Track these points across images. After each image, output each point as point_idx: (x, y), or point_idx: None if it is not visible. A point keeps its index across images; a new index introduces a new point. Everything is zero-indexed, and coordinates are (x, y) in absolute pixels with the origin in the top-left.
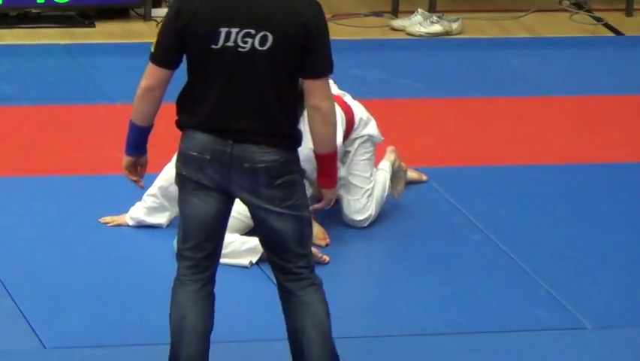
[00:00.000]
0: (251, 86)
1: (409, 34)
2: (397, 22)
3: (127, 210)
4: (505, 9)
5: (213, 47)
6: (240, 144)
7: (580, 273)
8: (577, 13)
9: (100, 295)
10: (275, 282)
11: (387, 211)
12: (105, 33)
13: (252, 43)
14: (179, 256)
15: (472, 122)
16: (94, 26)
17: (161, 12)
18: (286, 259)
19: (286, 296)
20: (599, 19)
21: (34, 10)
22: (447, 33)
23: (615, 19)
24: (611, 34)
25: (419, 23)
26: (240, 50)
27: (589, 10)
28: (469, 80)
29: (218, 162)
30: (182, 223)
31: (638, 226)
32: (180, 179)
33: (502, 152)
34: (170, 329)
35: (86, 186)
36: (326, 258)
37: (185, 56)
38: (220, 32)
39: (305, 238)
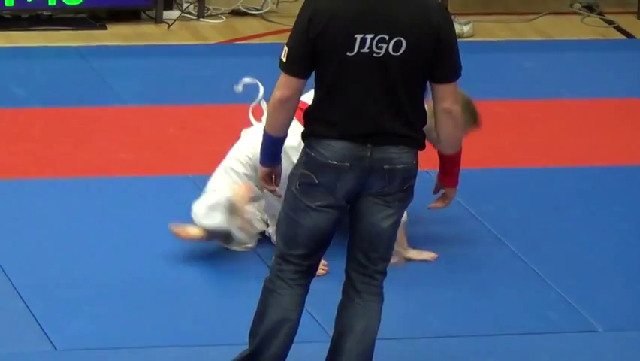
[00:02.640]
0: (386, 90)
1: None
2: None
3: (140, 213)
4: (517, 12)
5: (349, 54)
6: (380, 146)
7: (591, 276)
8: (588, 15)
9: (111, 297)
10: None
11: None
12: (116, 35)
13: (387, 49)
14: (284, 260)
15: (484, 124)
16: (105, 28)
17: (172, 14)
18: (372, 259)
19: (351, 295)
20: (610, 22)
21: (45, 13)
22: (459, 36)
23: (626, 21)
24: (623, 36)
25: None
26: (375, 55)
27: (600, 13)
28: (480, 83)
29: (358, 168)
30: (292, 229)
31: None
32: (308, 187)
33: (513, 155)
34: (261, 324)
35: (97, 189)
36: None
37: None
38: (355, 39)
39: (393, 242)
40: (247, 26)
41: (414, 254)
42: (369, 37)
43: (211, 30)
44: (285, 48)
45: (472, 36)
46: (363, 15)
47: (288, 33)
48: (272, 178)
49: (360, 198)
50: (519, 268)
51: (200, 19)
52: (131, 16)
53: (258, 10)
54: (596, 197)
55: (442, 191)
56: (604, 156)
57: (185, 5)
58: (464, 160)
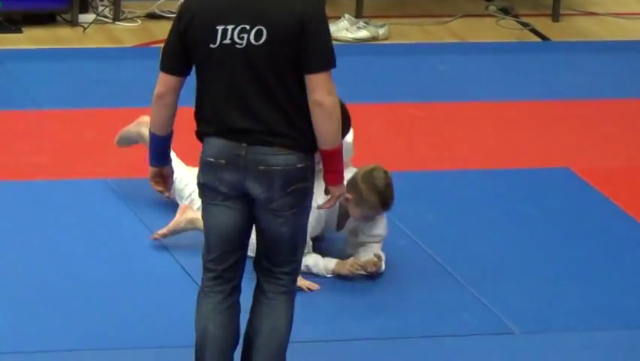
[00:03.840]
0: (256, 83)
1: (336, 39)
2: None
3: (56, 216)
4: (432, 14)
5: (212, 46)
6: (255, 146)
7: (507, 278)
8: (503, 18)
9: (25, 300)
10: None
11: None
12: (32, 39)
13: (248, 39)
14: (204, 267)
15: (399, 127)
16: (21, 32)
17: (87, 17)
18: (275, 262)
19: (258, 295)
20: (525, 25)
21: None
22: (374, 38)
23: (542, 24)
24: (538, 39)
25: (346, 29)
26: (237, 46)
27: (515, 16)
28: (396, 86)
29: (233, 166)
30: (206, 234)
31: (564, 230)
32: (200, 188)
33: (428, 157)
34: (194, 340)
35: (13, 192)
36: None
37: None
38: (217, 30)
39: (298, 244)
40: (162, 29)
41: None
42: (230, 27)
43: (126, 33)
44: (161, 47)
45: (387, 39)
46: (226, 7)
47: None
48: (162, 179)
49: (252, 202)
50: (434, 271)
51: (116, 22)
52: (46, 19)
53: (173, 13)
54: (511, 199)
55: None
56: (519, 158)
57: (100, 9)
58: (379, 162)
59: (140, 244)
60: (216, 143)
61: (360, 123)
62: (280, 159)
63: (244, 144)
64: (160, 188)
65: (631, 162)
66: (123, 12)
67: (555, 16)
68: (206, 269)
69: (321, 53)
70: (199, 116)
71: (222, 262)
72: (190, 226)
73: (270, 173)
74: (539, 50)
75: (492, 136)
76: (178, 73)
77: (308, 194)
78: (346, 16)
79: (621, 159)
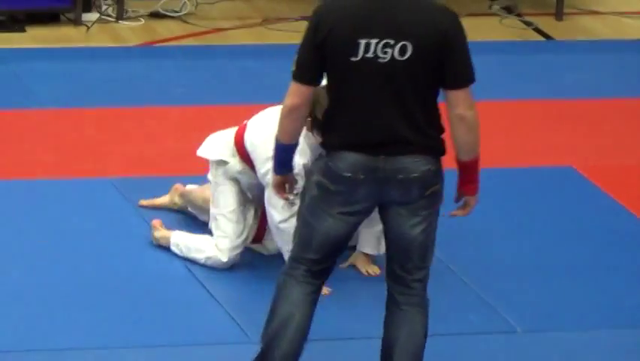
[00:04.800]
0: (394, 97)
1: None
2: None
3: (60, 215)
4: None
5: (353, 59)
6: (393, 157)
7: (511, 277)
8: (507, 17)
9: (28, 299)
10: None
11: None
12: (36, 38)
13: (392, 54)
14: (296, 261)
15: None
16: (24, 31)
17: (91, 16)
18: (407, 269)
19: (391, 307)
20: (529, 24)
21: None
22: None
23: (545, 23)
24: (541, 38)
25: None
26: (380, 60)
27: (519, 15)
28: None
29: (372, 180)
30: (307, 233)
31: (566, 229)
32: (323, 192)
33: None
34: (271, 320)
35: (16, 191)
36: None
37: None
38: (359, 44)
39: (429, 251)
40: (166, 29)
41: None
42: (373, 42)
43: (130, 32)
44: (295, 56)
45: None
46: (367, 20)
47: (207, 35)
48: (285, 187)
49: (385, 208)
50: (438, 269)
51: (119, 21)
52: (49, 18)
53: (176, 12)
54: (514, 198)
55: (463, 199)
56: (522, 157)
57: (104, 7)
58: None
59: (144, 243)
60: (351, 157)
61: None
62: (417, 165)
63: (382, 156)
64: (285, 195)
65: (635, 161)
66: (127, 11)
67: (558, 15)
68: (300, 263)
69: (464, 70)
70: (330, 128)
71: (322, 262)
72: (182, 201)
73: (409, 181)
74: (543, 49)
75: (495, 135)
76: (313, 83)
77: (440, 197)
78: None
79: (625, 157)
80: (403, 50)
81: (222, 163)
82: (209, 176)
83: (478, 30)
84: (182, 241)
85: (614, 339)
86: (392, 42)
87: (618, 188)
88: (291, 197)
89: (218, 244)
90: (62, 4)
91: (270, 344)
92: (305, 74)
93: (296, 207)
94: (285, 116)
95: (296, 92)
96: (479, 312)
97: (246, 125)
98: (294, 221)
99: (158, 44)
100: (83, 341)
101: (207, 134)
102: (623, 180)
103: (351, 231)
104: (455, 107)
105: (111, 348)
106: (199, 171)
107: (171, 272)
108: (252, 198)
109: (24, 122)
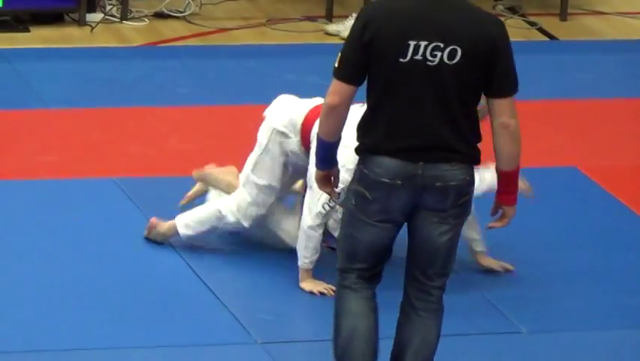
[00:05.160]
0: (438, 101)
1: (344, 39)
2: (332, 27)
3: (64, 215)
4: None
5: (401, 60)
6: (432, 164)
7: (515, 277)
8: (511, 17)
9: (35, 300)
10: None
11: None
12: (40, 38)
13: (441, 57)
14: (345, 271)
15: None
16: (28, 31)
17: (95, 17)
18: (429, 275)
19: (408, 311)
20: (533, 24)
21: None
22: None
23: (549, 23)
24: (545, 38)
25: None
26: (429, 63)
27: (523, 15)
28: None
29: (410, 186)
30: (351, 244)
31: (569, 229)
32: (361, 201)
33: None
34: (337, 336)
35: (22, 191)
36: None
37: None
38: (409, 45)
39: (452, 258)
40: (170, 29)
41: (493, 264)
42: (423, 44)
43: (134, 32)
44: (339, 54)
45: None
46: (418, 22)
47: (211, 36)
48: (330, 180)
49: (415, 214)
50: None
51: (124, 21)
52: (54, 18)
53: (181, 12)
54: (517, 198)
55: (500, 211)
56: (526, 157)
57: (108, 8)
58: None
59: (148, 243)
60: (389, 163)
61: None
62: (456, 174)
63: (421, 163)
64: (328, 189)
65: (638, 161)
66: (131, 11)
67: (563, 16)
68: (350, 273)
69: (509, 78)
70: (367, 130)
71: (369, 270)
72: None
73: (447, 188)
74: (547, 49)
75: None
76: (355, 82)
77: (470, 206)
78: (353, 15)
79: (628, 158)
80: (452, 54)
81: (283, 135)
82: (260, 135)
83: None
84: (191, 218)
85: (619, 339)
86: (442, 45)
87: (622, 188)
88: (336, 191)
89: (241, 208)
90: (67, 5)
91: (343, 357)
92: (348, 72)
93: (326, 218)
94: (325, 115)
95: (337, 91)
96: (484, 313)
97: (318, 109)
98: (320, 232)
99: (162, 44)
100: (86, 341)
101: (209, 135)
102: (627, 180)
103: (394, 236)
104: (499, 116)
105: (114, 349)
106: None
107: (175, 272)
108: (291, 175)
109: (28, 122)
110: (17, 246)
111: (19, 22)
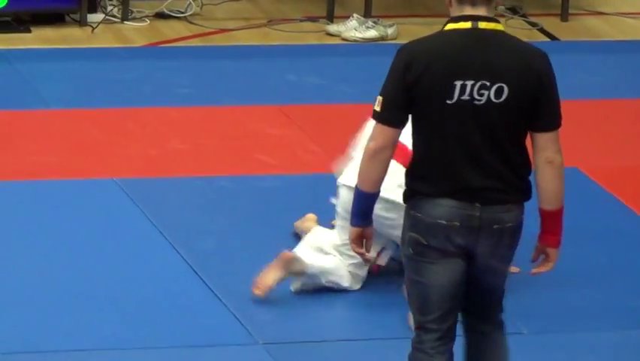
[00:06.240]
0: (489, 140)
1: (345, 39)
2: (333, 28)
3: (65, 216)
4: (441, 14)
5: (448, 101)
6: (490, 206)
7: (516, 278)
8: (512, 18)
9: (34, 300)
10: None
11: None
12: (41, 38)
13: (488, 96)
14: (422, 329)
15: None
16: (29, 31)
17: (96, 17)
18: (488, 312)
19: (474, 334)
20: (534, 24)
21: None
22: (382, 38)
23: (550, 24)
24: (547, 39)
25: (354, 28)
26: (476, 103)
27: (524, 15)
28: None
29: (467, 228)
30: (422, 294)
31: (571, 230)
32: (420, 248)
33: None
34: None
35: (22, 192)
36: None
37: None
38: (455, 85)
39: (504, 290)
40: (171, 29)
41: None
42: (469, 83)
43: (135, 33)
44: (379, 97)
45: (395, 38)
46: (462, 60)
47: (212, 36)
48: (362, 241)
49: (472, 260)
50: None
51: (125, 22)
52: (55, 19)
53: (182, 12)
54: None
55: (541, 256)
56: None
57: (109, 8)
58: None
59: (149, 244)
60: (445, 204)
61: None
62: (511, 216)
63: (477, 204)
64: (361, 250)
65: (639, 162)
66: (132, 12)
67: (564, 16)
68: (427, 331)
69: (554, 112)
70: (419, 174)
71: (446, 320)
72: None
73: (503, 231)
74: (548, 49)
75: None
76: (400, 125)
77: (517, 245)
78: (355, 15)
79: (630, 158)
80: (499, 92)
81: None
82: (334, 200)
83: None
84: (319, 265)
85: (621, 340)
86: (488, 84)
87: (623, 189)
88: (368, 255)
89: (353, 270)
90: (68, 5)
91: None
92: (393, 115)
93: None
94: (367, 160)
95: (381, 134)
96: None
97: None
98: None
99: (163, 45)
100: (86, 342)
101: (211, 135)
102: (628, 180)
103: (463, 275)
104: (544, 151)
105: (114, 349)
106: (204, 171)
107: (176, 273)
108: None
109: (29, 122)
110: (17, 246)
111: (20, 22)
